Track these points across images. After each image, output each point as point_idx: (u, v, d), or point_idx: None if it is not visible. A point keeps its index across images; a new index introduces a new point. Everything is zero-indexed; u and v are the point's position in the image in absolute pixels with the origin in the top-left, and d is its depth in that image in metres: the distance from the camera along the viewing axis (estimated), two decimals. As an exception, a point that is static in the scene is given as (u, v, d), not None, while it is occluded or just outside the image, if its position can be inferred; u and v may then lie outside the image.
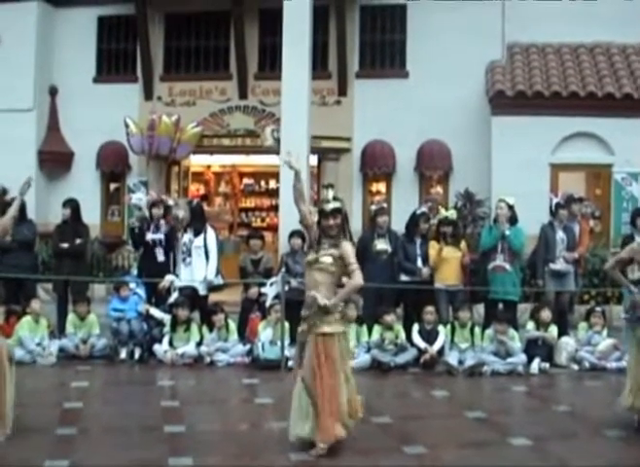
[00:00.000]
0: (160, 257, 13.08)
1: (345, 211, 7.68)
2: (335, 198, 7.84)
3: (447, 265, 12.43)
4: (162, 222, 13.20)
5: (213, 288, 12.88)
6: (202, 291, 12.70)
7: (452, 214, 13.08)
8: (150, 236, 13.12)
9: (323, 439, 7.20)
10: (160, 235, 13.11)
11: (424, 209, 13.47)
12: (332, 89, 19.77)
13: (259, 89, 20.11)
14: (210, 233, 12.93)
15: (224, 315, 12.14)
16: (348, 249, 7.48)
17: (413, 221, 12.90)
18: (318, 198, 19.28)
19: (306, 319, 7.48)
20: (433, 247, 12.51)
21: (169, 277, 12.63)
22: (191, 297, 12.39)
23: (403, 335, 11.85)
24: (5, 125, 19.17)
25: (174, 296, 12.39)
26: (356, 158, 19.62)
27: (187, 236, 12.75)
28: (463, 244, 12.70)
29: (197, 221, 12.92)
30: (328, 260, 7.46)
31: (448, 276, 12.45)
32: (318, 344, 7.38)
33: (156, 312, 12.36)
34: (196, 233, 12.74)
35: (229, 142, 20.16)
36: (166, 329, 12.05)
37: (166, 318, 12.24)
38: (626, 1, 18.27)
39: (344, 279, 7.67)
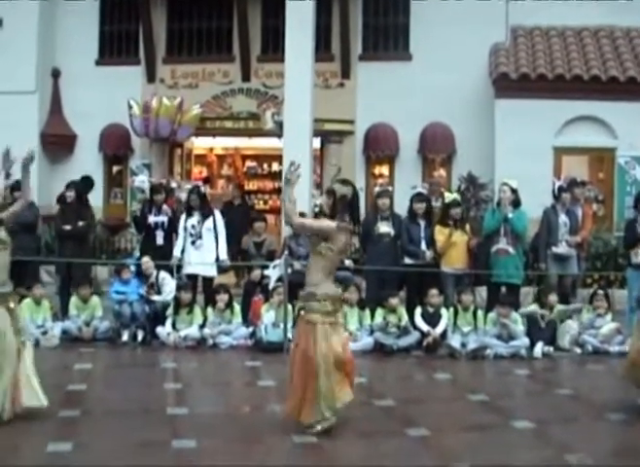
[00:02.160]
0: (160, 240, 13.13)
1: (349, 194, 7.62)
2: (343, 181, 7.87)
3: (455, 249, 12.44)
4: (165, 207, 13.26)
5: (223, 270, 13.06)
6: (213, 272, 12.79)
7: (457, 197, 13.09)
8: (152, 219, 13.15)
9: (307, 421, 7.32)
10: (163, 218, 13.15)
11: (419, 189, 13.49)
12: (335, 72, 19.70)
13: (262, 72, 20.05)
14: (218, 215, 13.03)
15: (228, 296, 12.14)
16: (321, 221, 7.48)
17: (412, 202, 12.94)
18: (321, 182, 19.28)
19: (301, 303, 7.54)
20: (441, 232, 12.48)
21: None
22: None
23: (406, 318, 11.86)
24: (7, 108, 19.05)
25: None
26: (359, 140, 19.57)
27: (195, 219, 12.79)
28: (467, 227, 12.73)
29: (206, 204, 13.01)
30: (313, 239, 7.50)
31: (456, 260, 12.45)
32: (300, 331, 7.48)
33: (156, 298, 12.37)
34: (206, 216, 12.80)
35: (231, 125, 20.13)
36: (169, 311, 12.06)
37: (160, 299, 12.31)
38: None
39: (347, 262, 7.68)
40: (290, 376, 7.56)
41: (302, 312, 7.55)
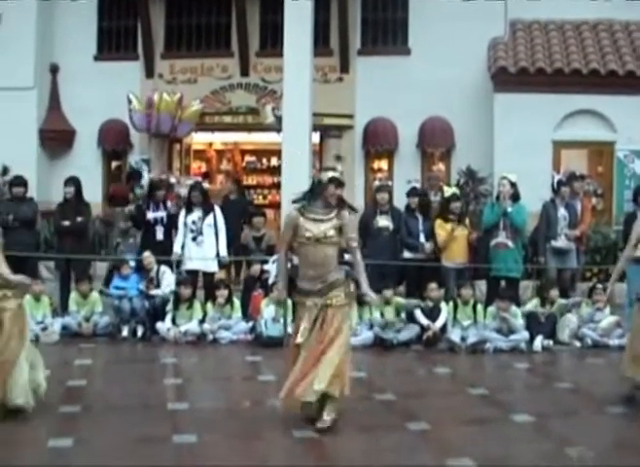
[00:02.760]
0: (160, 235, 13.15)
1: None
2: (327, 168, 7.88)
3: (456, 243, 12.47)
4: (169, 204, 13.30)
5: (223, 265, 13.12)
6: (214, 268, 12.83)
7: (456, 192, 13.11)
8: (151, 215, 13.16)
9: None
10: (162, 214, 13.16)
11: (413, 184, 13.53)
12: (333, 67, 19.66)
13: (260, 67, 20.01)
14: (218, 211, 13.06)
15: (228, 291, 12.16)
16: (352, 220, 7.48)
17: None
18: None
19: (319, 293, 7.47)
20: (442, 227, 12.50)
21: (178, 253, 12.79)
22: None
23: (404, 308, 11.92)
24: (6, 104, 19.00)
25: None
26: (358, 135, 19.54)
27: (195, 215, 12.82)
28: (467, 221, 12.76)
29: (207, 200, 13.04)
30: (333, 232, 7.44)
31: (457, 255, 12.49)
32: (332, 317, 7.40)
33: (155, 291, 12.37)
34: (207, 212, 12.82)
35: (230, 120, 20.11)
36: (169, 307, 12.07)
37: (160, 293, 12.33)
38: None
39: (347, 256, 7.69)
40: (291, 365, 7.53)
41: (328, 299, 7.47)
